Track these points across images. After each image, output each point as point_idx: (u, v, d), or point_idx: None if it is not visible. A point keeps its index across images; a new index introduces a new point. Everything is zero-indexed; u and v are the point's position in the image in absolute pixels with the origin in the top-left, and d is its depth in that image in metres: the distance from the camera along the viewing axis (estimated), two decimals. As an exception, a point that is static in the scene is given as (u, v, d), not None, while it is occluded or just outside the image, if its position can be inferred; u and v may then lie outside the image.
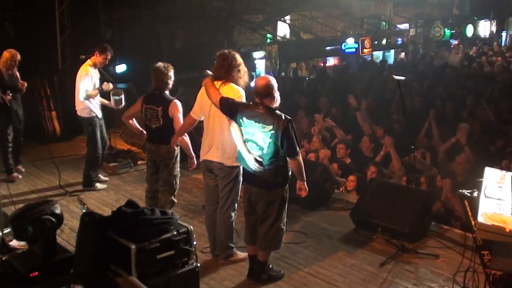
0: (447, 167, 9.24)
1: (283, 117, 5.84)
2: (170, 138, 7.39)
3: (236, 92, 6.39)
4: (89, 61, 9.35)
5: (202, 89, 6.63)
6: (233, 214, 6.73)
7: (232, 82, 6.46)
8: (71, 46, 13.54)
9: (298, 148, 5.94)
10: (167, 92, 7.46)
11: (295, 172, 6.08)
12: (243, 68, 6.57)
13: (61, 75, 13.41)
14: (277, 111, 5.93)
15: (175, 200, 7.65)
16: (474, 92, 13.53)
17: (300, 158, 6.01)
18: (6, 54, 9.71)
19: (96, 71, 9.46)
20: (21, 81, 9.93)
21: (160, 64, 7.45)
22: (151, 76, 7.45)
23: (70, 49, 13.48)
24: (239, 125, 6.09)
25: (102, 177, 10.04)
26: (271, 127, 5.83)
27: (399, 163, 9.30)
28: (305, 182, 6.16)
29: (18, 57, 9.75)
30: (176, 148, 7.44)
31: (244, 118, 6.01)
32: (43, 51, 13.08)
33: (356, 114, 11.51)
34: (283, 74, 21.46)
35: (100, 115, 9.57)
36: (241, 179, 6.62)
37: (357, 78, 18.07)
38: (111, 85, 9.53)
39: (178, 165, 7.58)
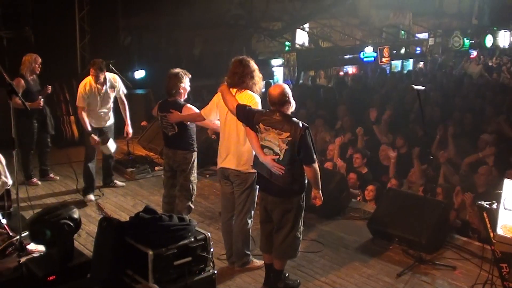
0: (468, 178, 9.16)
1: (300, 125, 5.82)
2: (186, 144, 7.41)
3: (252, 99, 6.38)
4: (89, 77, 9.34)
5: (218, 95, 6.63)
6: (249, 221, 6.71)
7: (247, 89, 6.46)
8: (90, 51, 13.66)
9: (314, 156, 5.91)
10: (181, 99, 7.45)
11: (311, 180, 6.04)
12: (257, 75, 6.54)
13: (80, 80, 13.40)
14: (294, 118, 5.91)
15: (192, 206, 7.63)
16: (493, 103, 13.44)
17: (317, 166, 5.97)
18: (27, 58, 9.76)
19: (99, 86, 9.27)
20: (46, 86, 9.98)
21: (174, 70, 7.46)
22: (166, 82, 7.49)
23: (89, 55, 13.59)
24: (256, 132, 6.08)
25: (118, 183, 10.11)
26: (288, 134, 5.81)
27: (421, 173, 9.25)
28: (320, 191, 6.15)
29: (39, 59, 9.81)
30: (192, 154, 7.47)
31: (261, 125, 6.00)
32: (62, 56, 13.18)
33: (374, 127, 11.44)
34: (301, 81, 21.48)
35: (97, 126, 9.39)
36: (257, 187, 6.61)
37: (375, 88, 18.02)
38: (96, 138, 9.29)
39: (195, 170, 7.57)
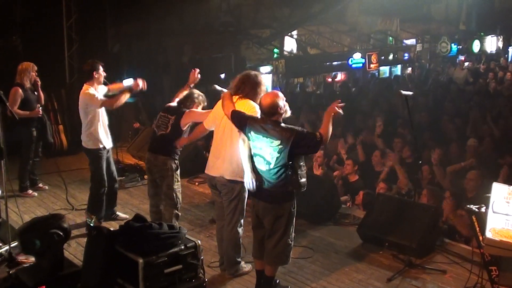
0: (457, 183, 9.19)
1: (289, 130, 5.83)
2: (168, 150, 7.43)
3: (252, 107, 6.35)
4: (88, 85, 8.23)
5: (219, 102, 6.65)
6: (240, 230, 6.69)
7: (249, 99, 6.45)
8: (78, 60, 13.59)
9: (317, 135, 5.81)
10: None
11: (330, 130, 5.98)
12: (261, 88, 6.53)
13: (69, 89, 13.47)
14: (283, 125, 5.92)
15: (179, 213, 7.62)
16: (482, 108, 13.52)
17: (324, 136, 5.82)
18: (25, 66, 9.64)
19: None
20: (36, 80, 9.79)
21: (196, 91, 7.65)
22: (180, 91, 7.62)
23: (78, 63, 13.53)
24: (248, 139, 6.10)
25: (121, 214, 9.00)
26: (278, 142, 5.82)
27: (406, 178, 9.27)
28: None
29: (35, 67, 9.72)
30: (172, 161, 7.44)
31: (252, 132, 6.02)
32: (50, 64, 13.12)
33: (378, 140, 11.42)
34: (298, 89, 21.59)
35: (108, 145, 8.53)
36: (246, 195, 6.59)
37: (363, 93, 18.10)
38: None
39: (178, 179, 7.54)
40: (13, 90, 9.42)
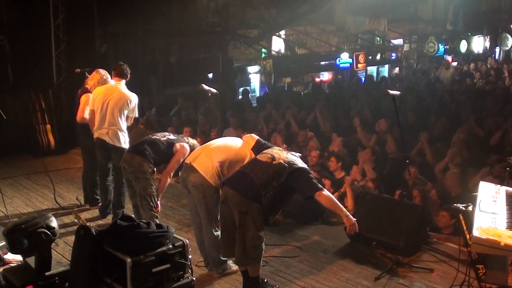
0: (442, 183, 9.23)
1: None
2: (148, 155, 7.47)
3: None
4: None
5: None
6: (215, 232, 6.68)
7: None
8: (66, 59, 13.56)
9: (316, 185, 6.12)
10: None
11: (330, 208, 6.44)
12: None
13: (56, 89, 13.43)
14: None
15: (158, 215, 7.63)
16: (468, 108, 13.59)
17: (325, 192, 6.11)
18: (96, 74, 9.00)
19: None
20: None
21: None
22: None
23: (65, 63, 13.49)
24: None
25: None
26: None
27: (374, 175, 9.33)
28: (348, 215, 6.24)
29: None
30: (149, 165, 7.45)
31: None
32: (38, 64, 13.08)
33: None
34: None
35: None
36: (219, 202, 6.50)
37: (352, 92, 18.14)
38: None
39: (154, 183, 7.55)
40: (84, 97, 8.83)
